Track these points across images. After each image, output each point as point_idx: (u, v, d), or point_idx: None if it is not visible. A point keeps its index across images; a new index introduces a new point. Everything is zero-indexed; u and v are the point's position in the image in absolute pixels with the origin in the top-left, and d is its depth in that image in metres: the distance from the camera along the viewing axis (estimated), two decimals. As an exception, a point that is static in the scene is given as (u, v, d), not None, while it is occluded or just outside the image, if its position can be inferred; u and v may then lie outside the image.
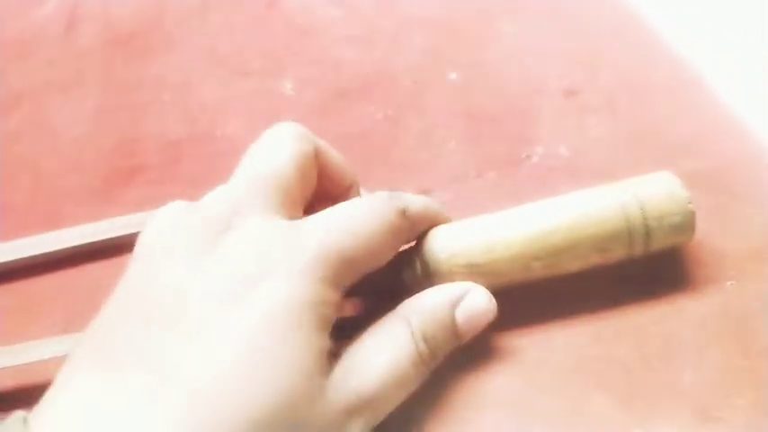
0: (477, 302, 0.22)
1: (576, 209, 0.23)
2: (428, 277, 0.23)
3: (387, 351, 0.21)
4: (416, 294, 0.22)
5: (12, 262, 0.29)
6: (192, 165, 0.32)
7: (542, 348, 0.24)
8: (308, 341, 0.19)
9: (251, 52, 0.37)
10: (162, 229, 0.21)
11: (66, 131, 0.35)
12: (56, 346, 0.25)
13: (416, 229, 0.23)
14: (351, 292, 0.23)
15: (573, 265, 0.23)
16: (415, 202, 0.23)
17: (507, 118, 0.32)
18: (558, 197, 0.24)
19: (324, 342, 0.20)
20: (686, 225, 0.23)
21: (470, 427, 0.23)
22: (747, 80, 0.31)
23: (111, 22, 0.40)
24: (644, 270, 0.25)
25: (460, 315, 0.22)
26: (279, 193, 0.22)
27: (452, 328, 0.22)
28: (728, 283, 0.24)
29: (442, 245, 0.23)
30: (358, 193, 0.26)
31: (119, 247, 0.29)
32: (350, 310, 0.25)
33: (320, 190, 0.25)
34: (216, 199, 0.22)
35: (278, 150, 0.22)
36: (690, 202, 0.23)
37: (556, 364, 0.24)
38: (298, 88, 0.35)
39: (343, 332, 0.21)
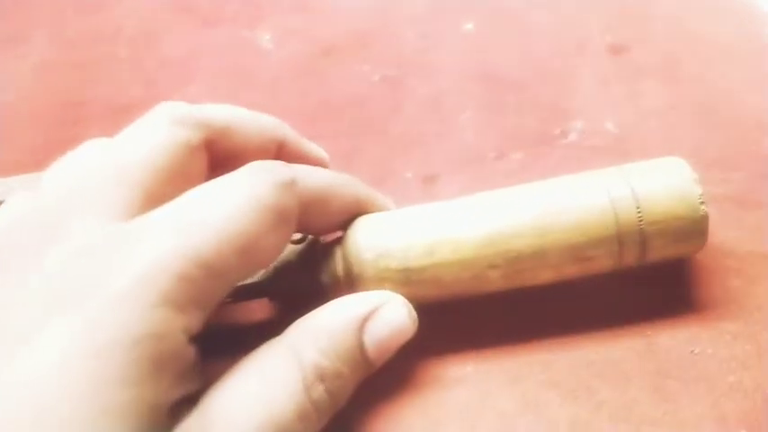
0: (391, 320, 0.19)
1: (549, 202, 0.19)
2: (351, 282, 0.20)
3: (263, 398, 0.17)
4: (310, 313, 0.18)
5: None
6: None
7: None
8: (123, 395, 0.15)
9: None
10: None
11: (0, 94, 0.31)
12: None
13: (317, 214, 0.19)
14: (264, 294, 0.21)
15: (541, 277, 0.19)
16: (311, 173, 0.19)
17: (536, 82, 0.29)
18: (530, 184, 0.20)
19: (158, 390, 0.16)
20: (695, 233, 0.19)
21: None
22: None
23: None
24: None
25: (370, 339, 0.18)
26: (131, 189, 0.18)
27: (360, 358, 0.18)
28: None
29: (369, 241, 0.19)
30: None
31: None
32: (261, 313, 0.21)
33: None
34: (54, 194, 0.18)
35: (140, 138, 0.19)
36: (702, 203, 0.19)
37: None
38: (277, 41, 0.32)
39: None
